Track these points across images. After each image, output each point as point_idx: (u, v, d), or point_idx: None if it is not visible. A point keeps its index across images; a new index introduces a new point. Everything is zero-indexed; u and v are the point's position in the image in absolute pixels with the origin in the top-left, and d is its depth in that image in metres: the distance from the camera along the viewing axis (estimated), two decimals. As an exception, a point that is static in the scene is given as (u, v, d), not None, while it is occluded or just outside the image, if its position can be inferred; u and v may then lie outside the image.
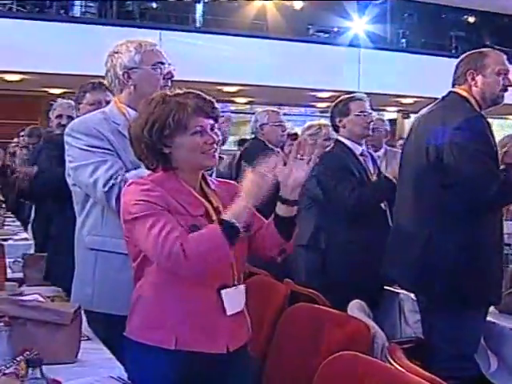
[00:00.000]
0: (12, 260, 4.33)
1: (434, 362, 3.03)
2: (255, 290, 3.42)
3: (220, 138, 2.11)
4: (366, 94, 3.99)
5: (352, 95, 4.05)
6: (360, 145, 4.00)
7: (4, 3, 11.23)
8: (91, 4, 11.83)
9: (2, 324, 2.35)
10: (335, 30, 13.96)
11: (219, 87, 12.56)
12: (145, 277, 2.08)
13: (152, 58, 2.63)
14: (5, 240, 5.29)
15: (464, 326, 2.90)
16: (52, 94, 13.93)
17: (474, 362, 2.99)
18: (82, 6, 11.86)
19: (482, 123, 2.88)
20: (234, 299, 2.08)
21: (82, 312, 2.52)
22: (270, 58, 11.93)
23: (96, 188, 2.45)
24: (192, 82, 11.43)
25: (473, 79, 3.03)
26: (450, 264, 2.88)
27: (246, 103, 14.26)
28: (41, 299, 2.93)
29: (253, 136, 5.14)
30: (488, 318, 3.09)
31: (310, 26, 13.70)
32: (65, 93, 14.37)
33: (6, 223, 6.63)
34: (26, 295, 3.02)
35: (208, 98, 2.08)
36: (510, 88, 3.01)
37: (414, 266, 3.01)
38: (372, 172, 3.95)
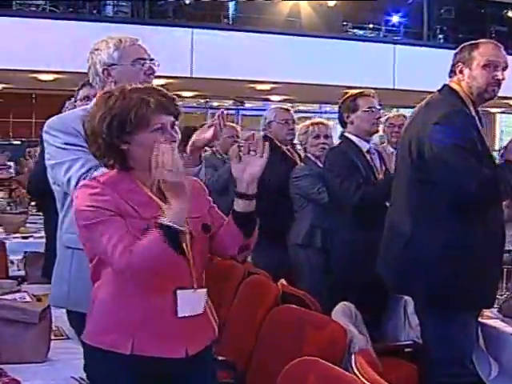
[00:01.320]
0: (20, 258, 4.37)
1: (428, 367, 2.93)
2: (249, 289, 3.41)
3: (179, 136, 2.04)
4: (402, 91, 3.82)
5: (360, 91, 3.96)
6: (367, 142, 3.91)
7: (38, 4, 11.37)
8: (124, 3, 11.91)
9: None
10: (370, 26, 13.78)
11: (252, 85, 12.54)
12: (101, 279, 2.02)
13: (131, 55, 2.57)
14: (25, 238, 5.34)
15: (451, 329, 2.77)
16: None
17: (469, 368, 2.86)
18: (114, 5, 11.94)
19: (462, 118, 2.75)
20: (189, 302, 2.00)
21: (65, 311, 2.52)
22: (304, 56, 11.83)
23: (69, 186, 2.42)
24: (225, 80, 11.51)
25: (460, 72, 2.91)
26: (429, 264, 2.76)
27: (280, 101, 14.18)
28: (27, 298, 2.93)
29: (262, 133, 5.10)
30: (488, 323, 2.98)
31: (344, 23, 13.56)
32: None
33: (34, 221, 6.68)
34: (15, 293, 3.04)
35: (169, 94, 2.02)
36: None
37: (395, 265, 2.91)
38: (379, 170, 3.85)
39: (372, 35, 13.62)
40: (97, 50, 2.63)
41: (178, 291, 1.98)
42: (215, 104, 16.56)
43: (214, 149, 5.81)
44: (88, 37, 11.48)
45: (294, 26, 12.78)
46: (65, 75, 11.56)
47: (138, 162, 1.99)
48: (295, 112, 5.34)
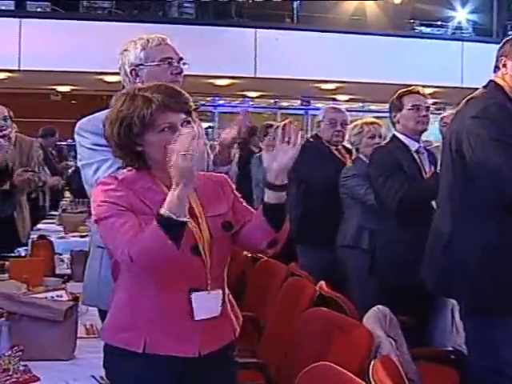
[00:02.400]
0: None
1: (469, 376, 2.82)
2: (288, 290, 3.38)
3: (201, 131, 2.01)
4: (470, 89, 3.69)
5: (408, 88, 3.86)
6: (417, 141, 3.80)
7: (104, 7, 11.59)
8: (188, 5, 12.00)
9: (3, 319, 2.39)
10: (438, 23, 13.47)
11: (317, 85, 12.45)
12: (119, 277, 2.02)
13: (157, 54, 2.58)
14: (83, 236, 5.43)
15: (492, 335, 2.64)
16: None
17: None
18: (179, 6, 12.05)
19: (502, 111, 2.60)
20: (205, 304, 1.98)
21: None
22: (369, 54, 11.66)
23: None
24: (289, 79, 11.45)
25: (504, 66, 2.78)
26: (469, 265, 2.63)
27: (347, 101, 14.03)
28: (64, 296, 2.96)
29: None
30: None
31: (411, 20, 13.29)
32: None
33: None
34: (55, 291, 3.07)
35: (178, 90, 1.99)
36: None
37: (436, 267, 2.80)
38: (427, 170, 3.73)
39: (439, 32, 13.30)
40: (125, 50, 2.64)
41: (193, 294, 1.96)
42: (285, 104, 16.53)
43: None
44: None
45: (360, 24, 12.61)
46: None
47: (155, 161, 1.98)
48: (366, 112, 5.24)
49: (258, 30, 11.43)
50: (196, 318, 1.96)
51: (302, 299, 3.07)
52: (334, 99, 14.10)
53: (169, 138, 1.90)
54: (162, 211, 1.82)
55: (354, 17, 12.88)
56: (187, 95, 2.01)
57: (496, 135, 2.53)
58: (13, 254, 4.01)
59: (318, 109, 17.42)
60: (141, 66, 2.58)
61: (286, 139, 1.96)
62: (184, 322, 1.96)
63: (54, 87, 13.02)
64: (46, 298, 2.59)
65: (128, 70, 2.60)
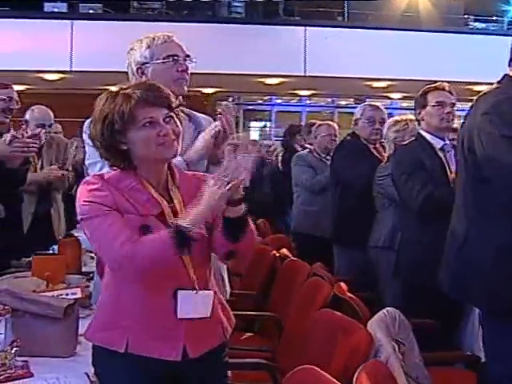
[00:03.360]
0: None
1: (486, 381, 2.72)
2: (306, 290, 3.35)
3: (180, 128, 1.98)
4: None
5: (432, 85, 3.76)
6: (442, 139, 3.69)
7: (153, 7, 11.70)
8: (238, 4, 12.02)
9: (8, 315, 2.42)
10: (493, 18, 13.12)
11: (368, 83, 12.31)
12: (104, 276, 2.02)
13: (162, 52, 2.58)
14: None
15: (507, 339, 2.53)
16: (205, 93, 14.40)
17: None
18: (229, 6, 12.09)
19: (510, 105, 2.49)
20: (191, 303, 1.96)
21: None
22: (422, 51, 11.46)
23: None
24: (339, 78, 11.33)
25: None
26: (483, 266, 2.52)
27: (400, 99, 13.82)
28: (78, 294, 2.98)
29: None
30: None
31: (464, 16, 12.98)
32: (217, 92, 14.83)
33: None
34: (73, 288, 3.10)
35: (158, 86, 1.98)
36: None
37: (451, 268, 2.71)
38: (453, 169, 3.63)
39: (494, 28, 12.95)
40: (132, 49, 2.65)
41: (179, 292, 1.95)
42: (343, 103, 16.39)
43: (311, 147, 5.75)
44: (203, 38, 11.83)
45: (412, 21, 12.39)
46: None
47: (140, 159, 1.97)
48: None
49: (307, 28, 11.36)
50: (179, 316, 1.94)
51: (316, 300, 3.04)
52: (388, 97, 13.92)
53: (150, 133, 1.91)
54: (181, 222, 1.84)
55: (407, 13, 12.65)
56: (168, 91, 1.99)
57: (508, 132, 2.42)
58: (49, 252, 4.07)
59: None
60: (146, 65, 2.58)
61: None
62: (167, 324, 1.95)
63: (106, 87, 13.21)
64: (53, 295, 2.61)
65: (134, 69, 2.61)
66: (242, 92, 16.92)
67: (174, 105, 1.98)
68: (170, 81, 2.53)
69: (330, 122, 5.92)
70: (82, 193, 1.95)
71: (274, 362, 3.00)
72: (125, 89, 1.95)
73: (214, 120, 2.83)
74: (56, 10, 11.00)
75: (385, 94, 13.37)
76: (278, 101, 19.48)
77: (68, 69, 10.65)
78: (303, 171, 5.61)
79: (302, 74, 11.51)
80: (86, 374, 2.13)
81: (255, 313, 3.81)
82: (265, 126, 20.06)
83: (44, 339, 2.31)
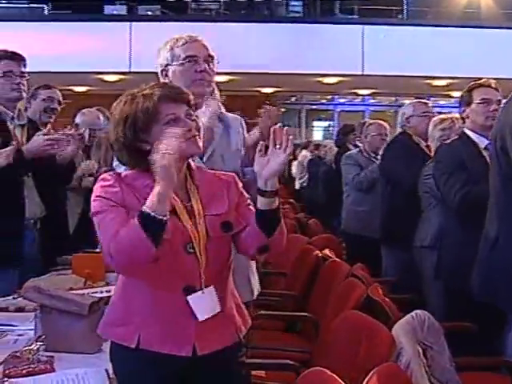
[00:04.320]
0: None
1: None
2: (342, 291, 3.31)
3: (200, 124, 2.00)
4: None
5: (478, 82, 3.66)
6: (487, 138, 3.59)
7: (211, 8, 11.80)
8: (296, 3, 12.01)
9: (38, 311, 2.48)
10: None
11: (428, 81, 12.11)
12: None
13: (182, 53, 2.59)
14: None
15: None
16: (264, 93, 14.43)
17: None
18: (286, 5, 12.09)
19: None
20: (203, 304, 1.96)
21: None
22: (484, 48, 11.22)
23: None
24: (398, 76, 11.20)
25: None
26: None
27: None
28: (112, 292, 3.03)
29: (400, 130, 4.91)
30: None
31: (528, 12, 12.64)
32: (276, 92, 14.85)
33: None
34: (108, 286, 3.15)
35: (175, 85, 2.02)
36: None
37: (481, 271, 2.64)
38: (496, 168, 3.53)
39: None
40: (158, 51, 2.66)
41: (189, 297, 1.95)
42: (406, 102, 16.14)
43: (361, 147, 5.70)
44: (261, 38, 11.86)
45: (473, 17, 12.13)
46: (236, 76, 11.90)
47: None
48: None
49: (365, 26, 11.26)
50: (200, 320, 1.95)
51: (349, 301, 3.01)
52: (449, 96, 13.67)
53: (173, 130, 1.90)
54: (143, 208, 1.82)
55: (468, 10, 12.40)
56: (186, 89, 2.01)
57: None
58: (97, 250, 4.15)
59: (440, 106, 17.00)
60: (168, 66, 2.60)
61: (278, 145, 1.91)
62: (178, 320, 1.95)
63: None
64: (84, 293, 2.66)
65: (159, 71, 2.63)
66: (299, 92, 16.89)
67: (192, 102, 1.99)
68: (189, 81, 2.53)
69: (381, 121, 5.85)
70: (96, 189, 1.98)
71: (310, 362, 2.97)
72: (142, 90, 1.97)
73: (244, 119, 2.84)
74: (115, 12, 11.22)
75: (446, 93, 13.13)
76: (342, 100, 19.40)
77: (127, 70, 10.83)
78: (351, 170, 5.57)
79: (360, 72, 11.41)
80: (106, 370, 2.16)
81: (292, 313, 3.79)
82: (328, 126, 20.00)
83: (69, 335, 2.36)
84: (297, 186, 11.70)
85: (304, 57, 11.24)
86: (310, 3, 11.94)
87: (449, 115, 4.35)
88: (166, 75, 2.59)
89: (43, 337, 2.36)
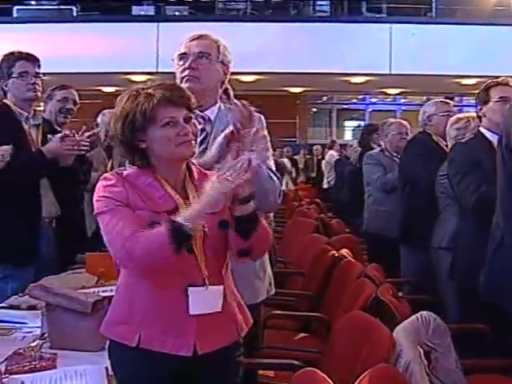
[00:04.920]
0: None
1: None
2: (354, 291, 3.30)
3: (198, 128, 2.01)
4: None
5: (496, 80, 3.61)
6: (503, 137, 3.55)
7: (239, 8, 11.82)
8: (323, 2, 11.97)
9: (44, 309, 2.52)
10: None
11: (457, 80, 11.98)
12: (120, 272, 2.06)
13: (176, 51, 2.60)
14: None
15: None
16: (293, 92, 14.42)
17: None
18: (313, 5, 12.06)
19: None
20: (202, 299, 1.97)
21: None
22: (514, 47, 11.07)
23: None
24: (426, 75, 11.11)
25: None
26: None
27: (493, 96, 13.31)
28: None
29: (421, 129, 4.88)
30: None
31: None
32: (304, 91, 14.82)
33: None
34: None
35: (180, 87, 2.02)
36: None
37: (486, 271, 2.60)
38: (514, 169, 3.48)
39: None
40: None
41: (190, 288, 1.96)
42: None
43: (382, 146, 5.67)
44: (288, 38, 11.83)
45: (503, 15, 11.96)
46: (264, 76, 11.92)
47: (158, 158, 2.00)
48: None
49: (393, 25, 11.18)
50: (191, 313, 1.96)
51: (358, 302, 2.99)
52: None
53: (169, 133, 1.93)
54: (177, 218, 1.84)
55: (498, 7, 12.22)
56: (189, 93, 2.01)
57: None
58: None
59: (471, 105, 16.81)
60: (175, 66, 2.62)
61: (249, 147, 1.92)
62: (179, 319, 1.96)
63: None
64: (91, 291, 2.69)
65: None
66: (327, 91, 16.84)
67: (193, 106, 1.99)
68: (179, 80, 2.55)
69: (402, 120, 5.80)
70: (98, 188, 2.00)
71: (317, 363, 2.96)
72: (147, 88, 1.97)
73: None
74: (143, 13, 11.30)
75: (474, 92, 12.96)
76: (373, 100, 19.29)
77: (154, 70, 10.90)
78: (373, 170, 5.54)
79: (388, 72, 11.33)
80: (106, 368, 2.18)
81: (304, 313, 3.78)
82: (359, 126, 19.90)
83: (73, 333, 2.39)
84: (325, 186, 11.69)
85: (331, 56, 11.21)
86: (337, 2, 11.89)
87: (465, 114, 4.30)
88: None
89: (47, 334, 2.40)
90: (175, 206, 1.97)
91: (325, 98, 22.18)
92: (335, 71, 11.60)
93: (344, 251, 4.33)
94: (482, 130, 3.59)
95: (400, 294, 4.68)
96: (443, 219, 4.14)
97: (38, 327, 2.58)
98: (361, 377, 1.77)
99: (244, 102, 2.83)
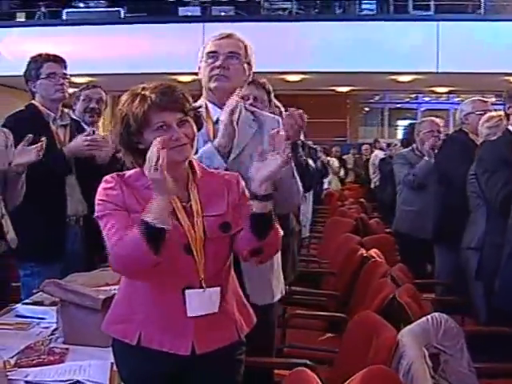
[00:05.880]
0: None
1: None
2: (375, 291, 3.27)
3: (194, 131, 2.01)
4: None
5: None
6: (533, 135, 3.48)
7: (285, 8, 11.81)
8: (369, 1, 11.86)
9: (59, 305, 2.58)
10: None
11: (507, 78, 11.72)
12: None
13: (204, 50, 2.61)
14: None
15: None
16: (340, 92, 14.34)
17: None
18: (359, 3, 11.96)
19: None
20: (199, 301, 1.99)
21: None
22: None
23: None
24: (475, 73, 10.90)
25: None
26: None
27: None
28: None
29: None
30: None
31: None
32: (351, 90, 14.72)
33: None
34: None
35: (175, 89, 1.99)
36: None
37: (500, 274, 2.55)
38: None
39: None
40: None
41: (187, 291, 1.98)
42: (493, 100, 15.72)
43: (414, 145, 5.60)
44: (334, 37, 11.70)
45: (556, 10, 11.66)
46: (309, 75, 11.89)
47: None
48: None
49: (440, 22, 11.01)
50: (189, 315, 1.98)
51: (375, 302, 2.98)
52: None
53: (164, 137, 1.92)
54: (143, 216, 1.85)
55: (550, 3, 11.92)
56: (185, 95, 2.00)
57: None
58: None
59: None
60: (200, 63, 2.64)
61: (274, 150, 1.92)
62: (177, 320, 1.99)
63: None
64: (107, 289, 2.73)
65: (197, 68, 2.68)
66: (374, 90, 16.69)
67: (187, 109, 1.99)
68: (208, 78, 2.57)
69: (434, 119, 5.72)
70: (99, 192, 2.02)
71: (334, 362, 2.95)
72: (145, 90, 1.98)
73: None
74: (189, 13, 11.39)
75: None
76: (426, 98, 19.03)
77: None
78: (401, 169, 5.48)
79: (435, 70, 11.17)
80: (112, 363, 2.23)
81: (326, 313, 3.77)
82: (410, 125, 19.64)
83: (84, 329, 2.44)
84: (372, 186, 11.60)
85: (377, 55, 11.09)
86: (383, 0, 11.76)
87: (498, 112, 4.22)
88: (199, 71, 2.64)
89: (59, 329, 2.46)
90: (171, 208, 1.98)
91: (377, 98, 21.99)
92: (381, 70, 11.48)
93: (373, 251, 4.29)
94: (511, 128, 3.52)
95: (433, 295, 4.64)
96: (473, 219, 4.07)
97: (55, 323, 2.65)
98: (352, 377, 1.76)
99: (297, 111, 2.83)
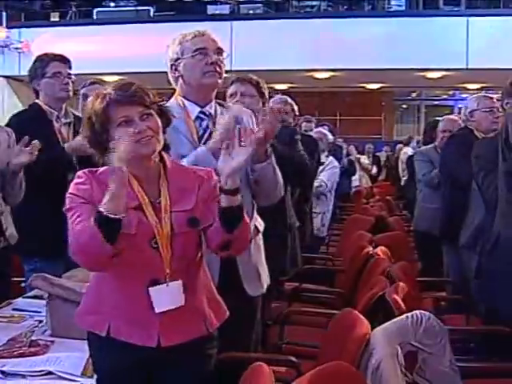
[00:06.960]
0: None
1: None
2: (372, 287, 3.27)
3: (158, 124, 2.04)
4: None
5: None
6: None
7: (313, 5, 11.79)
8: (398, -3, 11.78)
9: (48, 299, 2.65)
10: None
11: (540, 73, 11.50)
12: None
13: (192, 46, 2.62)
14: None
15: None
16: (370, 89, 14.25)
17: None
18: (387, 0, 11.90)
19: None
20: (164, 296, 2.02)
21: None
22: None
23: None
24: (506, 69, 10.78)
25: None
26: None
27: None
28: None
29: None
30: None
31: None
32: (381, 87, 14.60)
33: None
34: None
35: (131, 84, 2.02)
36: None
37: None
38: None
39: None
40: (167, 47, 2.73)
41: (150, 288, 2.02)
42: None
43: (435, 143, 5.56)
44: (362, 33, 11.60)
45: None
46: (338, 72, 11.84)
47: None
48: None
49: (469, 18, 10.87)
50: (157, 311, 2.02)
51: (364, 300, 2.99)
52: None
53: (127, 131, 1.96)
54: (98, 207, 1.89)
55: None
56: (144, 89, 2.03)
57: None
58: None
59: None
60: (178, 61, 2.65)
61: (242, 143, 1.96)
62: (143, 312, 2.03)
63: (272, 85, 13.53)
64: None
65: (169, 66, 2.70)
66: (405, 87, 16.55)
67: (148, 102, 2.03)
68: (200, 74, 2.60)
69: (452, 116, 5.66)
70: (70, 186, 2.07)
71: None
72: (105, 90, 2.03)
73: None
74: (218, 12, 11.45)
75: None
76: (463, 95, 18.79)
77: (228, 68, 11.00)
78: (422, 166, 5.44)
79: (464, 66, 11.03)
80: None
81: (325, 311, 3.78)
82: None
83: (70, 322, 2.48)
84: (402, 183, 11.52)
85: (407, 51, 11.01)
86: (411, -3, 11.67)
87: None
88: (176, 69, 2.65)
89: (45, 322, 2.52)
90: (138, 203, 2.03)
91: (414, 95, 21.78)
92: (411, 66, 11.38)
93: (379, 249, 4.29)
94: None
95: (444, 293, 4.61)
96: (470, 217, 4.04)
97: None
98: (308, 373, 1.79)
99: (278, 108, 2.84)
